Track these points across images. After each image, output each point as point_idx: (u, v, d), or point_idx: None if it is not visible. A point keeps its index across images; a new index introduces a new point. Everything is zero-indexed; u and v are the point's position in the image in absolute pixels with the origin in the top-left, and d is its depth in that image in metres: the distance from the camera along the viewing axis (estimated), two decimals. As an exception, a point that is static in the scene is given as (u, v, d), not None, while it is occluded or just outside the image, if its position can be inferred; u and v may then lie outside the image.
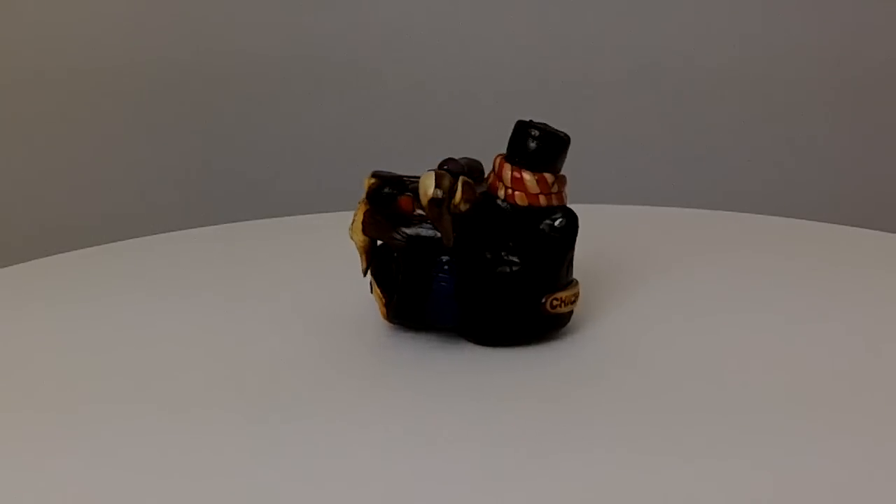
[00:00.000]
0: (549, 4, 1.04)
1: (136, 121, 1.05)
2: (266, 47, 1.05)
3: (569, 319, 0.54)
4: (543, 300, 0.51)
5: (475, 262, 0.52)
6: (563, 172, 0.53)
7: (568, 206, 0.52)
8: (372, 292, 0.54)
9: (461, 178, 0.51)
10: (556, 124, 0.53)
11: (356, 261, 0.54)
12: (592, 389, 0.48)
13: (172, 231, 0.73)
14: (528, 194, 0.51)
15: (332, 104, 1.06)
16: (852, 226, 0.72)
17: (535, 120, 0.53)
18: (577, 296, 0.53)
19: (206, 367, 0.51)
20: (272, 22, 1.04)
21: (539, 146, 0.51)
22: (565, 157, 0.52)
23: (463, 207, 0.51)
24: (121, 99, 1.05)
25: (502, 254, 0.51)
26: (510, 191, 0.52)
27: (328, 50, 1.04)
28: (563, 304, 0.52)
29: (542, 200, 0.51)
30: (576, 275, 0.53)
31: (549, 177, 0.51)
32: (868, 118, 1.08)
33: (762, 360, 0.51)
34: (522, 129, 0.52)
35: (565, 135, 0.52)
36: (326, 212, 0.77)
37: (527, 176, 0.51)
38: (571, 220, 0.52)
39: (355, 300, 0.58)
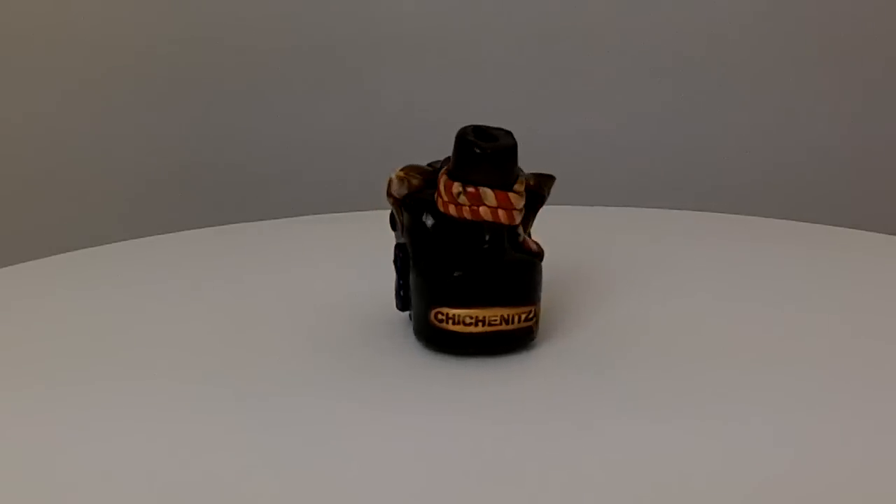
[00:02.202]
0: (548, 4, 1.02)
1: (134, 121, 1.05)
2: (268, 43, 1.03)
3: (478, 342, 0.51)
4: (430, 311, 0.51)
5: (402, 258, 0.53)
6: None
7: (498, 224, 0.50)
8: None
9: (394, 173, 0.52)
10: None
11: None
12: (592, 381, 0.49)
13: (174, 231, 0.74)
14: (442, 201, 0.51)
15: (336, 103, 1.04)
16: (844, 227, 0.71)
17: (492, 126, 0.51)
18: (481, 319, 0.50)
19: (204, 363, 0.52)
20: (273, 18, 1.03)
21: (454, 152, 0.50)
22: (487, 171, 0.49)
23: (389, 200, 0.52)
24: (119, 98, 1.05)
25: (411, 254, 0.52)
26: (436, 193, 0.51)
27: (333, 47, 1.03)
28: (450, 321, 0.50)
29: (452, 210, 0.50)
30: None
31: (455, 186, 0.50)
32: (866, 120, 1.03)
33: (755, 354, 0.52)
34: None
35: (485, 147, 0.49)
36: (325, 213, 0.79)
37: (442, 180, 0.51)
38: (478, 243, 0.50)
39: (361, 299, 0.59)
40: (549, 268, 0.54)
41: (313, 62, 1.04)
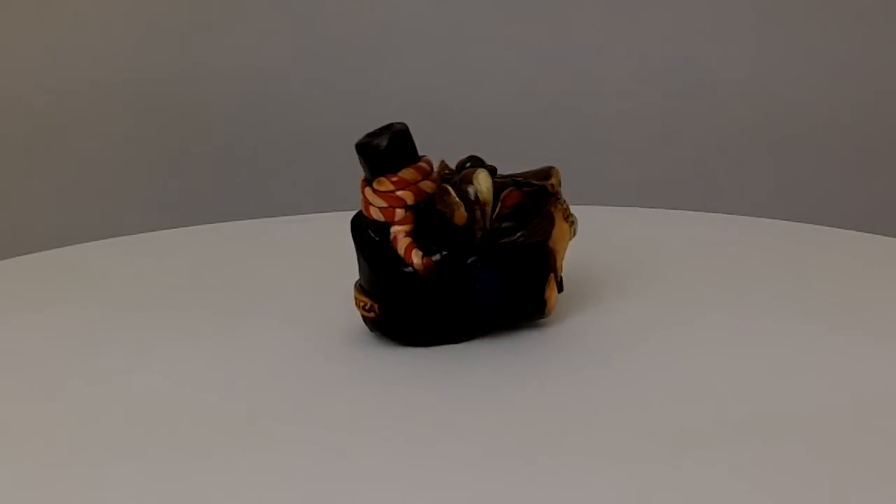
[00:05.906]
0: (551, 6, 1.02)
1: (130, 121, 1.06)
2: (266, 43, 1.04)
3: (373, 328, 0.54)
4: None
5: None
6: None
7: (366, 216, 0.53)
8: None
9: None
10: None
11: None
12: (592, 373, 0.50)
13: (169, 229, 0.74)
14: None
15: (336, 102, 1.04)
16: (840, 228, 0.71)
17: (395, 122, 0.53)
18: (365, 305, 0.53)
19: (201, 362, 0.53)
20: (272, 28, 1.04)
21: None
22: (365, 167, 0.52)
23: None
24: (117, 97, 1.05)
25: None
26: None
27: (333, 46, 1.03)
28: (356, 302, 0.54)
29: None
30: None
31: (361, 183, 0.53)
32: (864, 120, 1.03)
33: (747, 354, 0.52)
34: None
35: (360, 144, 0.52)
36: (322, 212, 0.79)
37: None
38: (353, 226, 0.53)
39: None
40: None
41: (314, 60, 1.03)
